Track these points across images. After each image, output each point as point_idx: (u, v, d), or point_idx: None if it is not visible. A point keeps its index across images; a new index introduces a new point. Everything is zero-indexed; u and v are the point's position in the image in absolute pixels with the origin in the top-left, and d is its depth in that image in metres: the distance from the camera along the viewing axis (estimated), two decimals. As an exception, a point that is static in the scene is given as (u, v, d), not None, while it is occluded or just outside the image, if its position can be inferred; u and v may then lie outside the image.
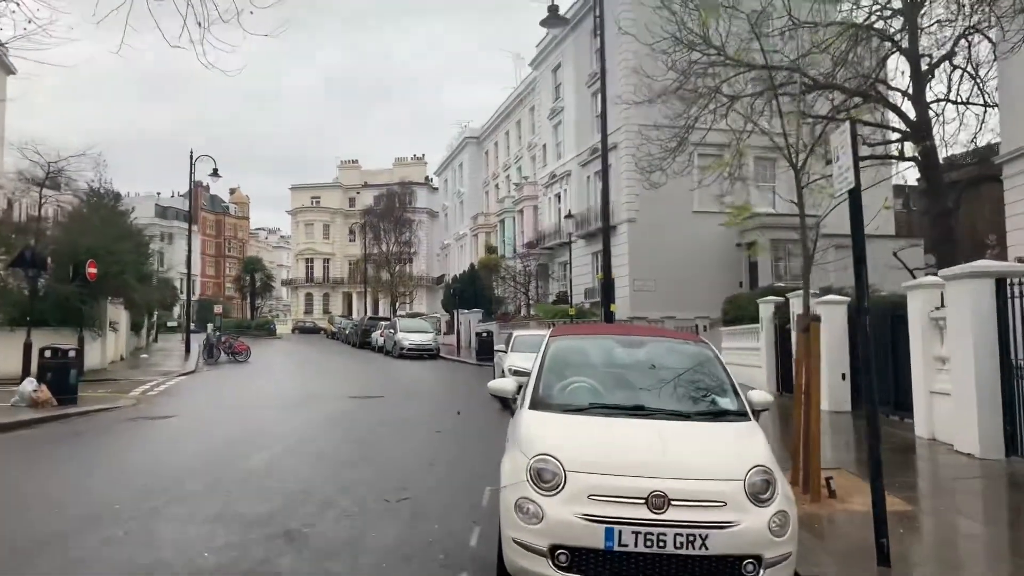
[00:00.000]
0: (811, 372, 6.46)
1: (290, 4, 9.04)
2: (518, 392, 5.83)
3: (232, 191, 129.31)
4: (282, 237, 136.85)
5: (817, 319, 6.69)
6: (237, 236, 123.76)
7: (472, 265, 50.67)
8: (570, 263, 31.01)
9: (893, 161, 21.81)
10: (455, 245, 67.60)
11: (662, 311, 31.65)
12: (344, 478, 8.01)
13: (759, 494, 4.23)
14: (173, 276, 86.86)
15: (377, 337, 40.64)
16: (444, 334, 51.06)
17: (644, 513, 4.08)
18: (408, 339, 34.24)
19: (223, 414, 14.70)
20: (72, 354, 15.78)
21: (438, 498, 7.23)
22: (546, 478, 4.28)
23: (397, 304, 68.84)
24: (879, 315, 11.65)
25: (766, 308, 16.99)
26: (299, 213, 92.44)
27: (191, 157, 35.70)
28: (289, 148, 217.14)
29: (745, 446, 4.66)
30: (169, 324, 65.30)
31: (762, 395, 5.55)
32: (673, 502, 4.09)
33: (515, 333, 17.26)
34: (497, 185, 57.19)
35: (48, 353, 15.58)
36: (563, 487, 4.22)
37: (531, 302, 38.49)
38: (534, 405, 5.19)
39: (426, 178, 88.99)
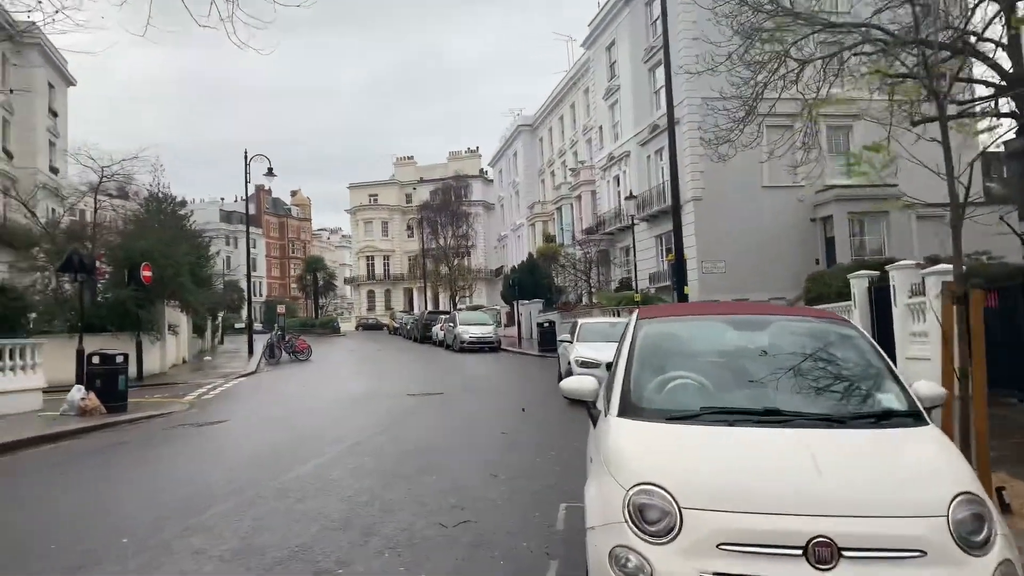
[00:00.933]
0: (973, 352, 5.03)
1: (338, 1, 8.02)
2: (600, 394, 4.52)
3: (293, 193, 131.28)
4: (343, 236, 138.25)
5: (978, 286, 5.25)
6: (300, 237, 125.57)
7: (530, 255, 49.48)
8: (633, 247, 29.52)
9: (988, 119, 19.73)
10: (512, 236, 66.51)
11: (733, 293, 29.83)
12: (394, 495, 6.93)
13: (972, 535, 2.90)
14: (239, 278, 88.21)
15: (437, 331, 39.87)
16: (504, 326, 50.08)
17: (804, 571, 2.81)
18: (468, 332, 33.29)
19: (275, 418, 13.89)
20: (120, 360, 15.21)
21: (503, 519, 6.07)
22: (652, 518, 3.03)
23: (456, 298, 68.26)
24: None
25: (859, 284, 15.28)
26: (358, 211, 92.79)
27: (246, 157, 35.48)
28: (346, 148, 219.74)
29: (935, 463, 3.30)
30: (237, 326, 66.04)
31: (931, 386, 4.03)
32: (845, 552, 2.81)
33: (580, 321, 16.01)
34: (553, 172, 55.80)
35: (96, 359, 15.05)
36: (678, 532, 2.97)
37: (592, 290, 37.08)
38: (624, 411, 3.83)
39: (480, 170, 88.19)
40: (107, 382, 14.86)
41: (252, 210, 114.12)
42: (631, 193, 29.61)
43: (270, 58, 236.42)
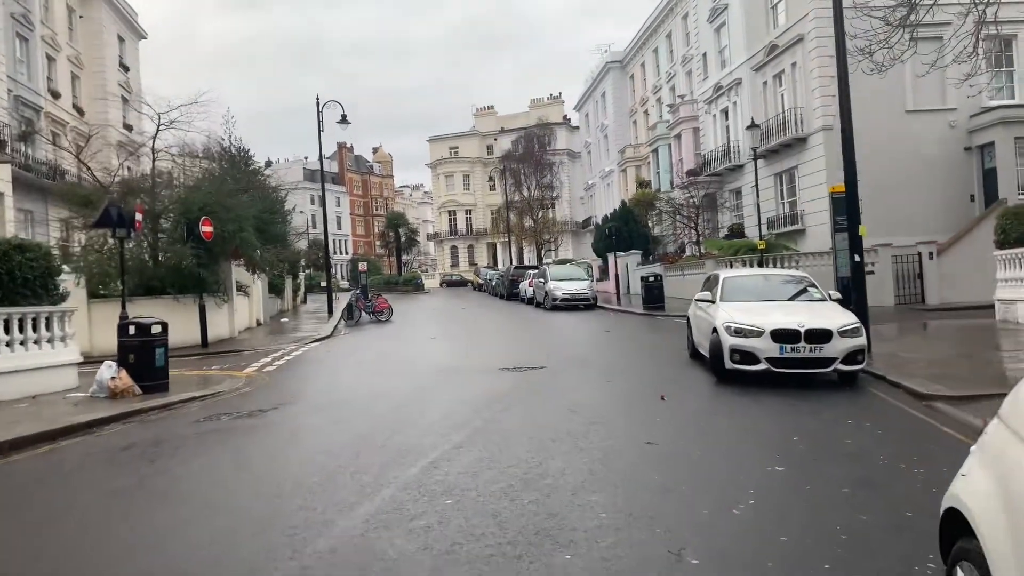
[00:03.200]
0: None
1: None
2: None
3: (375, 150, 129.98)
4: (426, 193, 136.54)
5: None
6: (383, 194, 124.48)
7: (623, 203, 45.54)
8: (757, 185, 25.33)
9: None
10: (600, 184, 62.38)
11: (871, 238, 25.23)
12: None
13: None
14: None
15: (525, 287, 36.71)
16: (597, 280, 46.67)
17: None
18: (561, 288, 29.99)
19: (334, 404, 10.99)
20: (158, 329, 12.63)
21: None
22: None
23: (543, 251, 65.10)
24: None
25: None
26: (439, 165, 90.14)
27: (318, 104, 32.81)
28: (426, 104, 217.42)
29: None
30: (323, 284, 64.91)
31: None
32: None
33: (722, 275, 12.39)
34: (647, 111, 51.25)
35: (132, 330, 12.53)
36: None
37: (700, 238, 33.05)
38: None
39: (564, 117, 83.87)
40: (142, 356, 12.32)
41: (334, 168, 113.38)
42: (752, 122, 25.33)
43: (346, 20, 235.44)
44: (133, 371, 12.18)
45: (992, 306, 17.04)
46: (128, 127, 38.68)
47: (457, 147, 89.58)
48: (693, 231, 33.21)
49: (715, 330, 10.75)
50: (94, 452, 8.52)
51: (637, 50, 52.40)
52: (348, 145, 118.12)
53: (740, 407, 9.11)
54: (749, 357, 10.14)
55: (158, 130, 22.82)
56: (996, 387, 8.52)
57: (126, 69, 41.28)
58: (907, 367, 10.98)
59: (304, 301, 49.47)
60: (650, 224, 41.43)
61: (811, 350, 9.90)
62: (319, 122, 33.14)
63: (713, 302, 11.68)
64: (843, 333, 9.99)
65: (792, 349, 9.93)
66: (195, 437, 9.00)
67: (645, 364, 13.62)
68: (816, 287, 11.95)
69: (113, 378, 11.88)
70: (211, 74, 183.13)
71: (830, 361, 9.94)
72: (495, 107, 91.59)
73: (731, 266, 26.37)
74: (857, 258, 12.58)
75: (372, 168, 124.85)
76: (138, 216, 15.39)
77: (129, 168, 34.76)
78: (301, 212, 78.62)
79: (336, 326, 26.40)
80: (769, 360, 10.03)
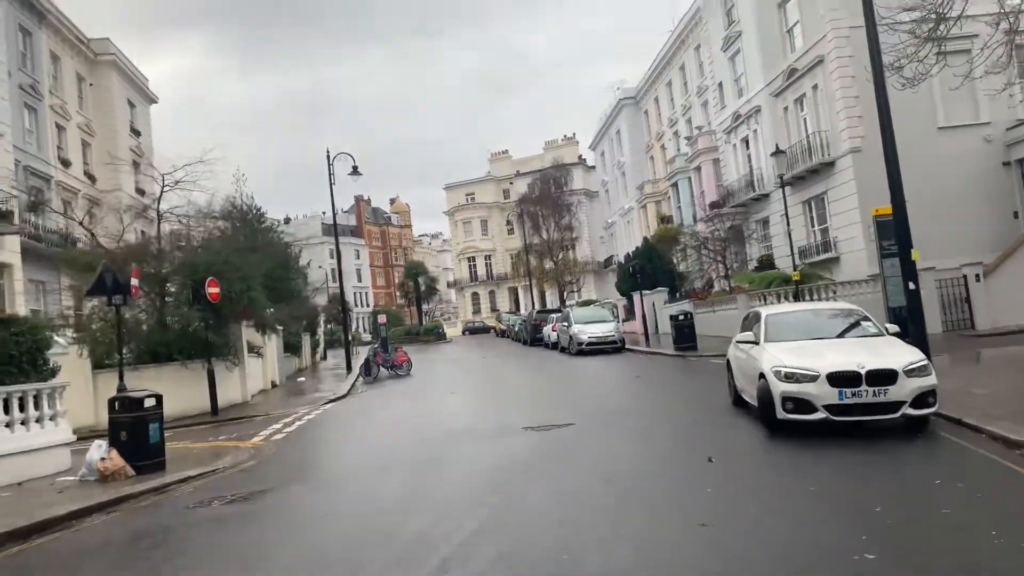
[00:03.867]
0: None
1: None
2: None
3: (392, 201, 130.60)
4: (444, 241, 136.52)
5: None
6: (402, 245, 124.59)
7: (645, 239, 44.47)
8: (786, 212, 24.13)
9: None
10: (620, 222, 61.44)
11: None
12: None
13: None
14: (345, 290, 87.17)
15: (549, 332, 35.52)
16: (623, 320, 45.42)
17: None
18: (586, 332, 28.78)
19: (339, 480, 9.87)
20: (151, 403, 11.64)
21: None
22: None
23: (565, 293, 64.07)
24: None
25: None
26: (456, 212, 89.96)
27: (328, 157, 32.36)
28: (442, 153, 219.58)
29: None
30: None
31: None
32: None
33: (765, 313, 11.17)
34: (663, 146, 50.48)
35: (119, 404, 11.57)
36: None
37: (728, 272, 31.78)
38: None
39: (579, 157, 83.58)
40: (135, 433, 11.32)
41: (353, 221, 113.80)
42: (777, 148, 24.26)
43: (357, 76, 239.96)
44: (125, 450, 11.18)
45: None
46: (140, 191, 38.49)
47: (473, 193, 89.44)
48: (721, 265, 31.97)
49: (762, 375, 9.54)
50: (64, 553, 7.46)
51: (650, 85, 51.86)
52: (366, 198, 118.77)
53: (802, 467, 7.87)
54: (804, 405, 8.90)
55: (162, 192, 22.27)
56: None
57: (137, 134, 41.36)
58: (983, 406, 9.66)
59: (324, 357, 48.61)
60: (675, 260, 40.27)
61: (875, 394, 8.64)
62: (330, 174, 32.64)
63: (756, 343, 10.47)
64: (910, 372, 8.74)
65: (853, 394, 8.68)
66: (181, 530, 7.91)
67: (683, 415, 12.36)
68: (871, 320, 10.72)
69: (103, 459, 10.88)
70: (230, 136, 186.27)
71: (898, 405, 8.67)
72: (509, 151, 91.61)
73: (764, 300, 25.10)
74: (912, 285, 11.35)
75: (390, 219, 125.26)
76: (134, 281, 14.52)
77: (143, 232, 34.46)
78: (320, 267, 78.46)
79: (353, 384, 25.39)
80: (827, 408, 8.78)
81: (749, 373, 10.45)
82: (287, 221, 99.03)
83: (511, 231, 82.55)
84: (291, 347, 33.76)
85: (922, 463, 7.66)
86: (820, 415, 8.82)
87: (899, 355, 9.13)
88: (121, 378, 14.18)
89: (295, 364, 35.22)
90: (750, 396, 10.58)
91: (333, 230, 37.62)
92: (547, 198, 67.49)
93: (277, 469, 10.97)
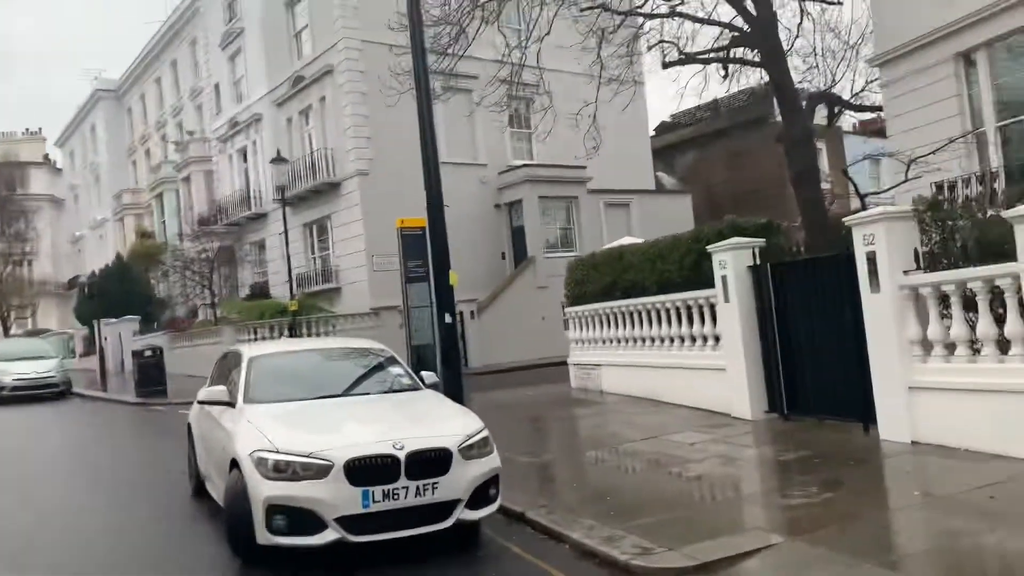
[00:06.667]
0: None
1: None
2: None
3: None
4: None
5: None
6: None
7: (119, 256, 36.82)
8: (285, 233, 20.39)
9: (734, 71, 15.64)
10: (92, 236, 51.31)
11: (387, 297, 21.73)
12: None
13: None
14: None
15: (-38, 372, 25.75)
16: (82, 356, 36.71)
17: None
18: (11, 372, 20.97)
19: None
20: None
21: None
22: None
23: (10, 321, 51.11)
24: None
25: (736, 257, 8.99)
26: None
27: None
28: None
29: None
30: None
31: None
32: None
33: (247, 354, 6.99)
34: (148, 150, 43.26)
35: None
36: None
37: (215, 299, 26.95)
38: None
39: (46, 156, 68.78)
40: None
41: None
42: (278, 154, 20.57)
43: None
44: None
45: (533, 367, 15.65)
46: None
47: None
48: (207, 291, 26.96)
49: (235, 464, 5.49)
50: None
51: (136, 79, 44.13)
52: None
53: None
54: (305, 521, 5.12)
55: None
56: (724, 527, 5.01)
57: None
58: (547, 489, 7.19)
59: None
60: (154, 283, 33.76)
61: (419, 491, 5.30)
62: None
63: (233, 404, 6.35)
64: (467, 451, 5.65)
65: (387, 494, 5.21)
66: None
67: (114, 517, 7.50)
68: (400, 364, 7.53)
69: None
70: None
71: (450, 507, 5.47)
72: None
73: (255, 334, 21.03)
74: (448, 318, 8.61)
75: None
76: None
77: None
78: None
79: None
80: (343, 522, 5.14)
81: (218, 456, 6.28)
82: None
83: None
84: None
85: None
86: (331, 536, 5.12)
87: (447, 422, 6.05)
88: None
89: None
90: (217, 490, 6.44)
91: None
92: (-8, 201, 53.16)
93: None
